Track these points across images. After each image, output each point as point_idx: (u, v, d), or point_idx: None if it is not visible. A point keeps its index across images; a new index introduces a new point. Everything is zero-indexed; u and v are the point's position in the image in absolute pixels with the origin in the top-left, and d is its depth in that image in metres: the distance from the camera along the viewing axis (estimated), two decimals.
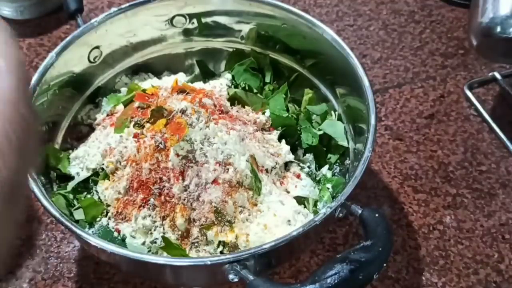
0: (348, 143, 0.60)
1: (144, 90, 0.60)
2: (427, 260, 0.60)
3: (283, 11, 0.63)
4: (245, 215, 0.53)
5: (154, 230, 0.52)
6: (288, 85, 0.66)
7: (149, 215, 0.52)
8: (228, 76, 0.68)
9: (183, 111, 0.54)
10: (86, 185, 0.58)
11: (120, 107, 0.62)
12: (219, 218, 0.52)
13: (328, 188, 0.58)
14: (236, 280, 0.44)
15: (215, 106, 0.58)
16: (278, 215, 0.53)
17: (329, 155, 0.62)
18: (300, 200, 0.57)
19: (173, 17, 0.66)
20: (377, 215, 0.47)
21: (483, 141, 0.70)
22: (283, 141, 0.61)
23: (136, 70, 0.69)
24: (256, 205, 0.54)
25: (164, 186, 0.52)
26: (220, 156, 0.53)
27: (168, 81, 0.65)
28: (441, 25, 0.85)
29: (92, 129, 0.63)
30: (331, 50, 0.60)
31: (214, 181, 0.52)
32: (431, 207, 0.64)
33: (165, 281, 0.58)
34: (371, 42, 0.82)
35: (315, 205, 0.57)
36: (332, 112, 0.63)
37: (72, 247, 0.60)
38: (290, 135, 0.63)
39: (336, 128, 0.61)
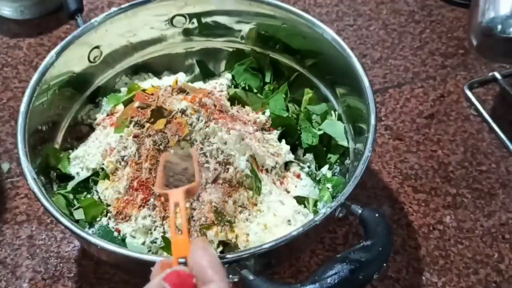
0: (348, 143, 0.60)
1: (144, 90, 0.60)
2: (427, 260, 0.60)
3: (283, 11, 0.63)
4: (245, 215, 0.53)
5: (154, 230, 0.52)
6: (288, 85, 0.66)
7: (149, 215, 0.52)
8: (228, 76, 0.68)
9: (183, 111, 0.54)
10: (86, 185, 0.58)
11: (120, 107, 0.62)
12: (219, 218, 0.52)
13: (328, 188, 0.58)
14: (236, 280, 0.44)
15: (215, 106, 0.58)
16: (278, 215, 0.53)
17: (329, 155, 0.62)
18: (300, 200, 0.57)
19: (173, 17, 0.66)
20: (377, 215, 0.47)
21: (483, 141, 0.70)
22: (283, 141, 0.61)
23: (136, 70, 0.69)
24: (256, 205, 0.54)
25: None
26: (220, 156, 0.53)
27: (168, 81, 0.65)
28: (441, 25, 0.85)
29: (92, 129, 0.63)
30: (331, 50, 0.60)
31: (214, 181, 0.52)
32: (431, 207, 0.64)
33: None
34: (371, 42, 0.82)
35: (315, 205, 0.57)
36: (332, 112, 0.63)
37: (72, 247, 0.60)
38: (290, 135, 0.63)
39: (336, 128, 0.61)
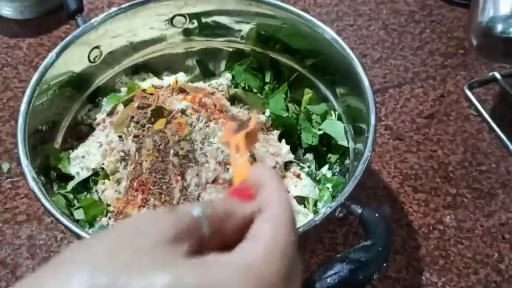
0: (348, 143, 0.60)
1: (144, 90, 0.60)
2: (427, 260, 0.60)
3: (283, 11, 0.63)
4: None
5: None
6: (288, 85, 0.66)
7: None
8: (228, 76, 0.68)
9: (183, 111, 0.54)
10: (86, 185, 0.58)
11: (120, 107, 0.62)
12: None
13: (328, 188, 0.58)
14: None
15: (215, 106, 0.58)
16: None
17: (329, 155, 0.62)
18: (300, 200, 0.57)
19: (173, 17, 0.66)
20: (377, 215, 0.47)
21: (483, 141, 0.70)
22: (283, 141, 0.61)
23: (136, 70, 0.69)
24: None
25: (164, 186, 0.52)
26: (220, 155, 0.53)
27: (168, 81, 0.65)
28: (441, 25, 0.85)
29: (92, 129, 0.63)
30: (331, 50, 0.60)
31: (214, 181, 0.52)
32: (431, 207, 0.64)
33: None
34: (371, 42, 0.82)
35: (315, 205, 0.57)
36: (332, 112, 0.63)
37: None
38: (290, 135, 0.63)
39: (336, 128, 0.61)
